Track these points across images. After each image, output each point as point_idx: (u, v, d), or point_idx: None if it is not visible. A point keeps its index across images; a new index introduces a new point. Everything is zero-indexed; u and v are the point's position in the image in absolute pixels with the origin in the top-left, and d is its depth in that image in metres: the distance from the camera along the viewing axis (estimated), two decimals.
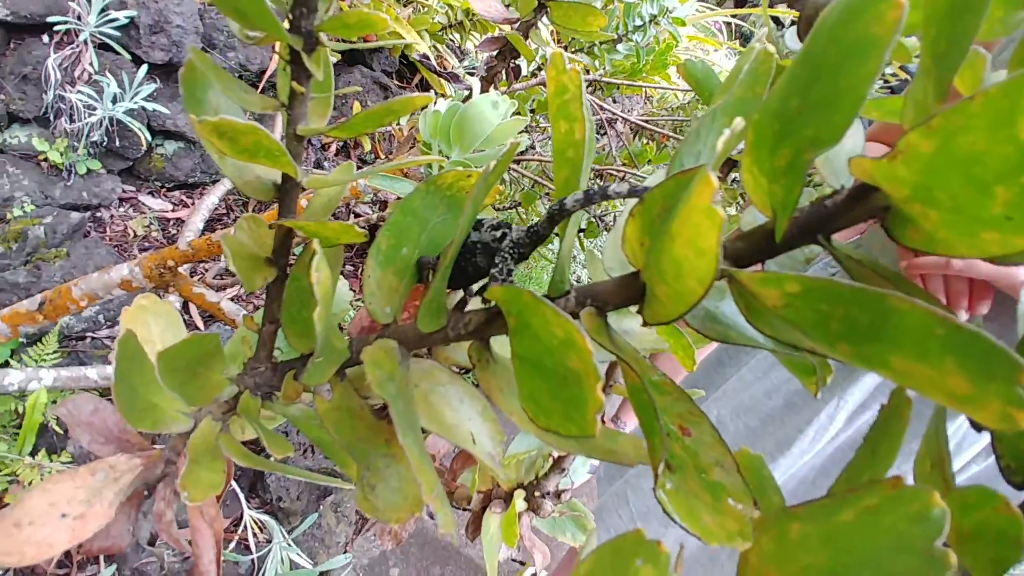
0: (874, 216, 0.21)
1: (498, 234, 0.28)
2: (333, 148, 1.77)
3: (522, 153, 1.17)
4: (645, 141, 1.41)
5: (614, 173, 1.15)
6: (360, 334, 0.32)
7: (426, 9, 1.45)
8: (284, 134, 0.28)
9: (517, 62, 0.81)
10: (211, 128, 0.21)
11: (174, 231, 1.46)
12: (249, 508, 1.07)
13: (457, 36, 1.47)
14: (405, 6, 1.49)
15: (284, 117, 0.27)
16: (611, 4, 1.09)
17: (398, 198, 0.63)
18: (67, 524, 0.31)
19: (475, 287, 0.30)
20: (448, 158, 0.64)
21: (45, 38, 1.27)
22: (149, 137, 1.40)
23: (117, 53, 1.34)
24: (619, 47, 1.12)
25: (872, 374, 0.66)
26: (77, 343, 1.18)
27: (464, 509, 0.56)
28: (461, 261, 0.29)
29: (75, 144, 1.34)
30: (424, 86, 1.81)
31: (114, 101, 1.31)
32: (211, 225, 1.49)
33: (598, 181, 1.30)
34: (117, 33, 1.30)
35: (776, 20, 1.67)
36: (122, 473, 0.34)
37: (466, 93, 0.83)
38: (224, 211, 1.56)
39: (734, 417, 0.91)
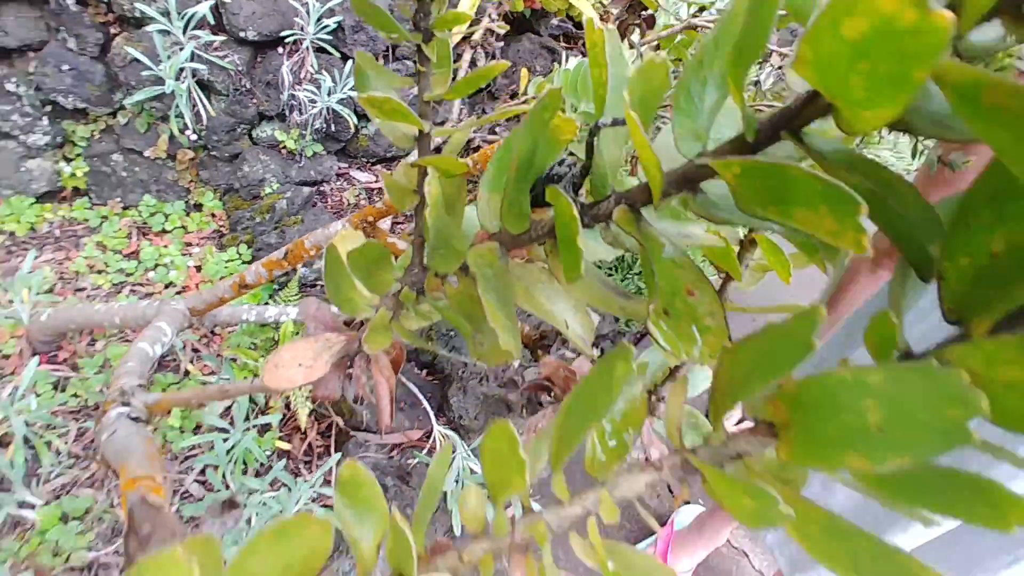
0: (826, 113, 0.26)
1: (563, 167, 0.37)
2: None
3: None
4: None
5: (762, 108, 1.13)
6: (477, 242, 0.44)
7: None
8: (418, 100, 0.40)
9: (650, 12, 0.86)
10: (365, 101, 0.34)
11: (376, 198, 1.75)
12: (437, 424, 1.30)
13: None
14: None
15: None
16: None
17: None
18: (302, 370, 0.48)
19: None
20: (576, 110, 0.73)
21: (280, 49, 1.60)
22: (356, 120, 1.68)
23: (330, 53, 1.63)
24: None
25: None
26: (310, 288, 1.51)
27: None
28: (541, 187, 0.39)
29: (303, 132, 1.67)
30: None
31: (329, 94, 1.60)
32: None
33: None
34: (329, 37, 1.58)
35: None
36: (333, 344, 0.51)
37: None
38: None
39: None
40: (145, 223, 1.64)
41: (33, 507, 1.11)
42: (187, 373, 1.38)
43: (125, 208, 1.64)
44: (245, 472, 1.22)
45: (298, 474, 1.29)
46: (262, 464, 1.24)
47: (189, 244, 1.65)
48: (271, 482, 1.18)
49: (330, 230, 1.09)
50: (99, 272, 1.53)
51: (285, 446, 1.30)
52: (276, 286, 1.49)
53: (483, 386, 1.34)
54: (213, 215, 1.70)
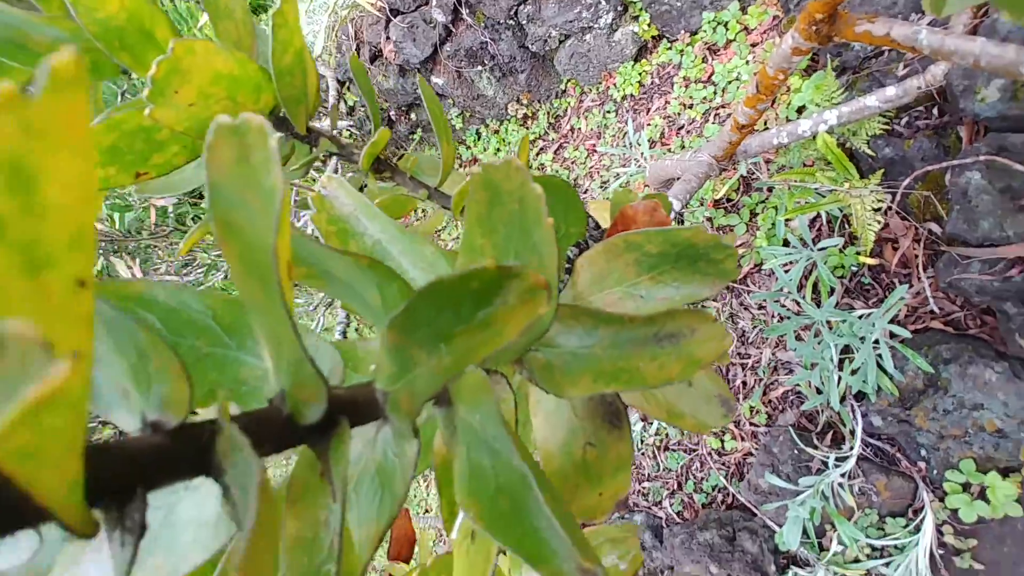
0: None
1: None
2: None
3: None
4: None
5: None
6: None
7: None
8: None
9: None
10: None
11: None
12: None
13: None
14: None
15: None
16: None
17: None
18: None
19: None
20: None
21: None
22: None
23: None
24: None
25: None
26: (854, 72, 1.16)
27: None
28: None
29: None
30: None
31: None
32: None
33: None
34: None
35: None
36: None
37: None
38: None
39: None
40: (712, 42, 1.65)
41: None
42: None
43: (692, 34, 1.69)
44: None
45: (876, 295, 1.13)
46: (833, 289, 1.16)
47: (753, 45, 1.55)
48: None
49: None
50: (689, 107, 1.69)
51: (871, 261, 1.15)
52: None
53: None
54: (765, 1, 1.51)
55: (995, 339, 1.00)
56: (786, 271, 1.19)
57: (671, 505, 1.41)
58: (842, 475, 1.05)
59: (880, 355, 1.01)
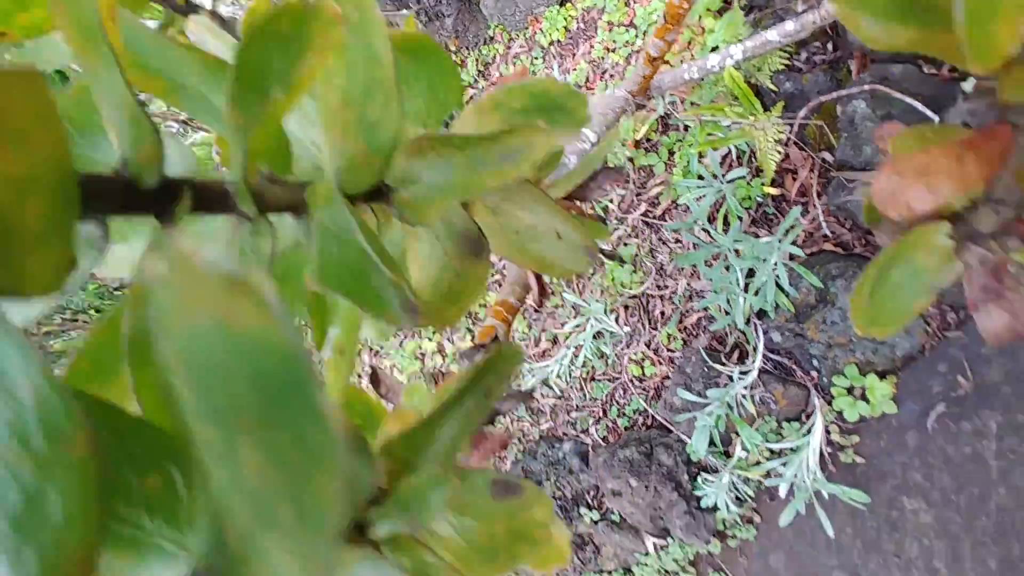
0: None
1: None
2: None
3: None
4: None
5: None
6: None
7: None
8: None
9: None
10: None
11: None
12: None
13: None
14: None
15: None
16: None
17: None
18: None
19: None
20: None
21: None
22: None
23: None
24: None
25: None
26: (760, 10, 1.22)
27: None
28: None
29: None
30: None
31: None
32: None
33: None
34: None
35: None
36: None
37: None
38: None
39: None
40: None
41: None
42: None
43: None
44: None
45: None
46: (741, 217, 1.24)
47: None
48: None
49: None
50: (612, 51, 1.72)
51: (774, 191, 1.23)
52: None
53: None
54: None
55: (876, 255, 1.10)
56: (699, 203, 1.26)
57: (597, 431, 1.49)
58: (745, 387, 1.15)
59: (779, 275, 1.10)
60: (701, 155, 1.42)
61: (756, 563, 1.24)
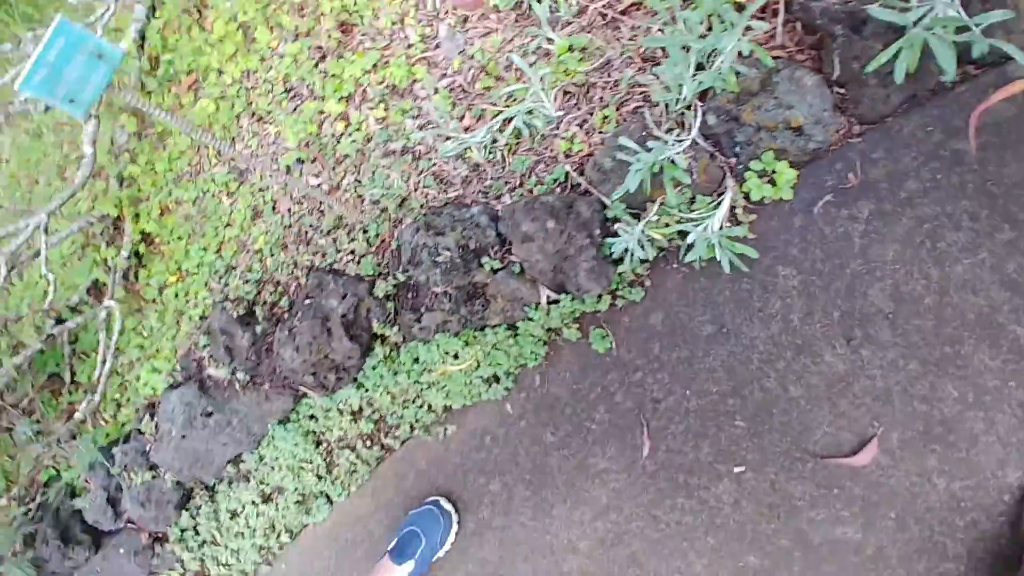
0: None
1: None
2: None
3: None
4: None
5: None
6: None
7: None
8: None
9: None
10: None
11: None
12: None
13: None
14: None
15: None
16: None
17: None
18: None
19: None
20: None
21: None
22: None
23: None
24: None
25: None
26: None
27: None
28: None
29: None
30: None
31: None
32: None
33: None
34: None
35: None
36: None
37: None
38: None
39: None
40: None
41: (552, 41, 1.54)
42: None
43: None
44: None
45: None
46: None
47: None
48: None
49: None
50: None
51: None
52: None
53: None
54: None
55: (823, 63, 1.24)
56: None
57: (511, 198, 1.50)
58: (677, 154, 1.23)
59: (740, 51, 1.18)
60: None
61: (637, 320, 1.36)
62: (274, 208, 1.94)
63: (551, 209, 1.30)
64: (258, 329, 1.76)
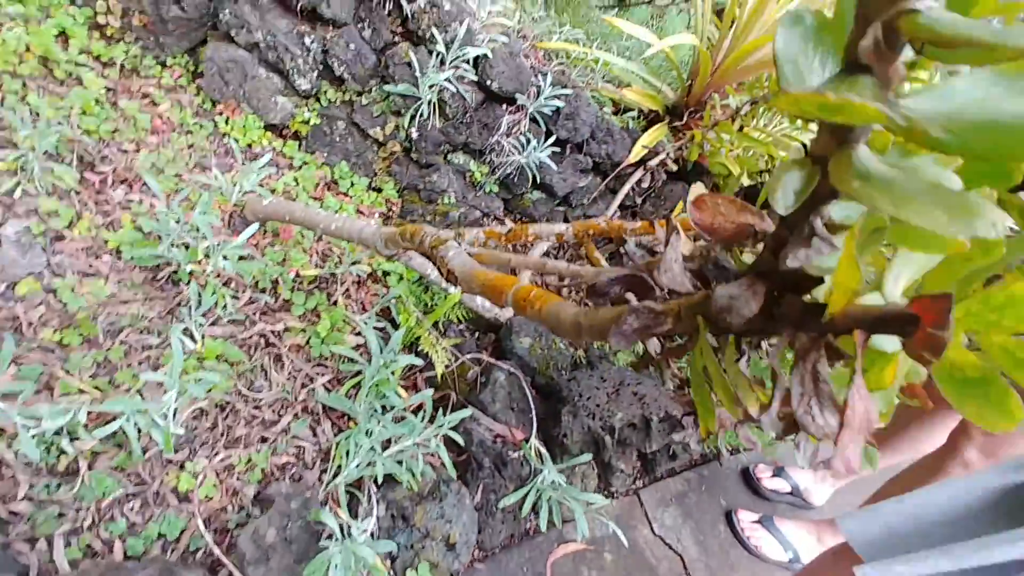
0: None
1: None
2: None
3: None
4: None
5: None
6: None
7: None
8: None
9: None
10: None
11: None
12: (535, 438, 1.41)
13: None
14: None
15: None
16: None
17: None
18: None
19: None
20: None
21: (504, 106, 1.96)
22: (530, 183, 2.00)
23: (540, 125, 1.99)
24: None
25: None
26: None
27: None
28: None
29: (492, 172, 1.97)
30: None
31: (527, 154, 1.93)
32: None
33: None
34: (548, 113, 1.95)
35: None
36: None
37: None
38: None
39: None
40: (334, 180, 1.88)
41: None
42: None
43: (323, 164, 1.89)
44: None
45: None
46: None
47: (360, 212, 1.87)
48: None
49: (558, 228, 1.32)
50: (293, 199, 1.73)
51: (403, 394, 1.40)
52: None
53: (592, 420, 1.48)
54: (388, 201, 1.94)
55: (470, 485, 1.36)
56: None
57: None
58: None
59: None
60: None
61: None
62: None
63: None
64: None
